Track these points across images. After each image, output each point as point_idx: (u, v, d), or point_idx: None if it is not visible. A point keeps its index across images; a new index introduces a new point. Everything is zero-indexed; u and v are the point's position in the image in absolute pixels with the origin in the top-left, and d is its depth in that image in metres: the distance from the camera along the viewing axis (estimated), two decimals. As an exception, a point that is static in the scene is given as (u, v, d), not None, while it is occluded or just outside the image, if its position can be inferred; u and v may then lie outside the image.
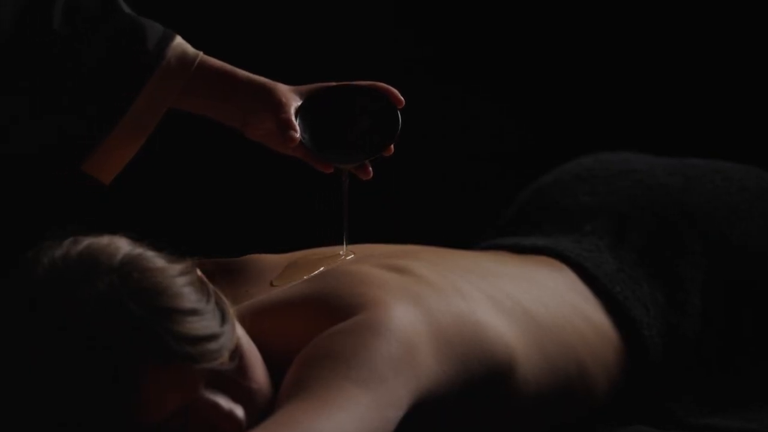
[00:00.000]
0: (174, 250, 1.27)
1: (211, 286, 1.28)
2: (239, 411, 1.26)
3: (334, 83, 1.56)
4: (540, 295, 1.58)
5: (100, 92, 1.48)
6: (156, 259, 1.24)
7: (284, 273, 1.52)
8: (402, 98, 1.54)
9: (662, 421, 1.64)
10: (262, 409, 1.28)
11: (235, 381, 1.26)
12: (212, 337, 1.22)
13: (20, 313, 1.21)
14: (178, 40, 1.52)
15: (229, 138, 1.85)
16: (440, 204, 2.40)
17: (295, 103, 1.53)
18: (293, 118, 1.51)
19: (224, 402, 1.25)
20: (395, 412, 1.29)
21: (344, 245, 1.56)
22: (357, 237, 1.60)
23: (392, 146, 1.53)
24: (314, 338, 1.32)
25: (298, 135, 1.50)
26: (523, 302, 1.53)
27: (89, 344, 1.18)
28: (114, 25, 1.49)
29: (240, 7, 2.29)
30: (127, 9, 1.51)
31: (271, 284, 1.49)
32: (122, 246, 1.24)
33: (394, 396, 1.28)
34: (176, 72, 1.51)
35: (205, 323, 1.22)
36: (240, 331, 1.30)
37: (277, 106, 1.52)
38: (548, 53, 2.48)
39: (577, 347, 1.57)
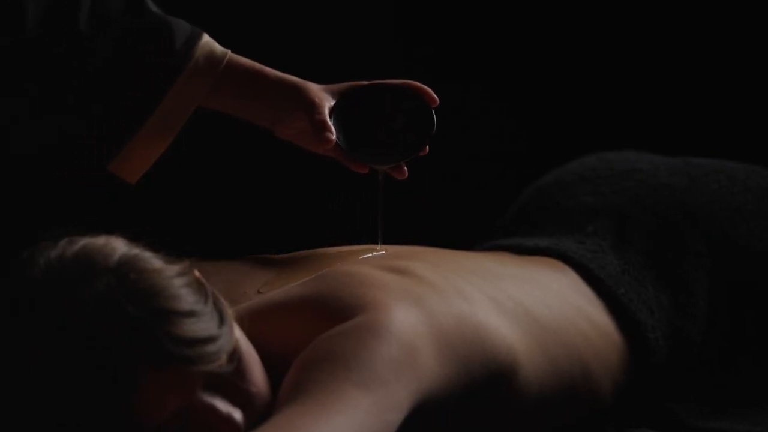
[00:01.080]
0: (171, 250, 1.26)
1: (209, 287, 1.27)
2: (237, 414, 1.25)
3: (365, 82, 1.56)
4: (543, 297, 1.57)
5: (127, 92, 1.48)
6: (153, 260, 1.23)
7: (274, 279, 1.50)
8: (436, 97, 1.55)
9: (666, 423, 1.64)
10: (260, 412, 1.27)
11: (233, 384, 1.26)
12: (210, 339, 1.21)
13: (17, 313, 1.19)
14: (206, 38, 1.52)
15: (229, 138, 1.84)
16: (440, 204, 2.39)
17: (327, 103, 1.52)
18: (328, 118, 1.50)
19: (222, 405, 1.24)
20: (396, 415, 1.27)
21: (379, 243, 1.56)
22: (357, 238, 1.59)
23: (427, 146, 1.53)
24: (313, 340, 1.31)
25: (334, 136, 1.49)
26: (525, 303, 1.52)
27: (87, 345, 1.17)
28: (141, 25, 1.48)
29: (235, 7, 2.28)
30: (154, 8, 1.50)
31: (258, 291, 1.48)
32: (119, 246, 1.23)
33: (395, 399, 1.27)
34: (204, 71, 1.50)
35: (202, 325, 1.21)
36: (238, 333, 1.28)
37: (310, 106, 1.51)
38: (549, 53, 2.48)
39: (581, 349, 1.56)
